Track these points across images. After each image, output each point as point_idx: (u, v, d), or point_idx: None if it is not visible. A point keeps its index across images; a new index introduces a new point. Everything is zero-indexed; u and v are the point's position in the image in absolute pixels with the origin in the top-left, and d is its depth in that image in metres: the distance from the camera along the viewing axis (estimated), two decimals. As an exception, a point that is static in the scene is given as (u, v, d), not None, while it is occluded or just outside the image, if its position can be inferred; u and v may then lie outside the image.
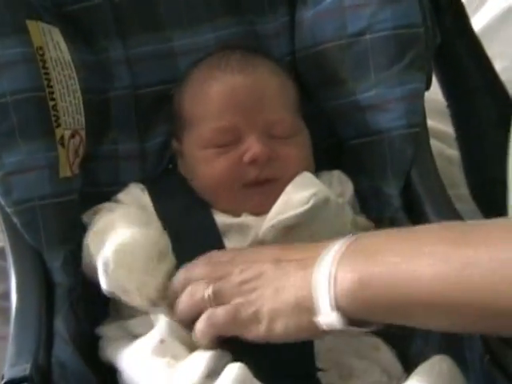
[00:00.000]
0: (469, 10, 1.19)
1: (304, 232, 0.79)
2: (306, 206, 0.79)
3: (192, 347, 0.74)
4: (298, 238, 0.78)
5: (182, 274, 0.76)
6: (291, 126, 0.85)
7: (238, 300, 0.71)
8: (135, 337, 0.77)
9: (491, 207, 0.87)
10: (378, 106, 0.86)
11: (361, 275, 0.65)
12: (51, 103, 0.82)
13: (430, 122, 0.89)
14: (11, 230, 0.79)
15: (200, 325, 0.73)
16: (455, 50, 0.91)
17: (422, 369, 0.70)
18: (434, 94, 0.93)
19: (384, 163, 0.86)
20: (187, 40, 0.93)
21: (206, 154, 0.83)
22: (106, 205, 0.84)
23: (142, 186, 0.86)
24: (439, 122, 0.99)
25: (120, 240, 0.77)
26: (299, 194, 0.80)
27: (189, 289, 0.74)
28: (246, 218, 0.82)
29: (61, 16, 0.88)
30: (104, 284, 0.75)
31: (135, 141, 0.92)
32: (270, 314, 0.69)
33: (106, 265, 0.74)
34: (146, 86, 0.92)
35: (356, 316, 0.66)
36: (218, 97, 0.84)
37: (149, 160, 0.92)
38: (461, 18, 0.91)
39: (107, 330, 0.80)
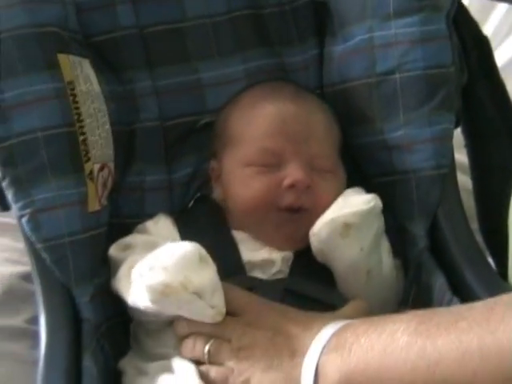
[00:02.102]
0: (495, 41, 1.20)
1: (357, 238, 0.80)
2: (370, 205, 0.80)
3: None
4: (350, 243, 0.80)
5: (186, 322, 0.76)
6: (332, 163, 0.86)
7: (231, 364, 0.73)
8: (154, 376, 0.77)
9: (499, 253, 0.87)
10: (406, 147, 0.86)
11: (344, 374, 0.66)
12: (81, 138, 0.82)
13: (456, 155, 0.90)
14: (40, 265, 0.80)
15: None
16: (478, 91, 0.90)
17: None
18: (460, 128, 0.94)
19: (410, 203, 0.86)
20: (215, 72, 0.94)
21: (248, 172, 0.84)
22: (137, 241, 0.84)
23: (170, 217, 0.87)
24: (463, 154, 0.99)
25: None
26: (358, 197, 0.82)
27: (190, 340, 0.75)
28: (271, 254, 0.82)
29: (90, 47, 0.89)
30: (145, 298, 0.72)
31: (162, 172, 0.93)
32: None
33: (143, 280, 0.71)
34: (174, 118, 0.93)
35: None
36: (270, 119, 0.85)
37: (176, 191, 0.93)
38: (486, 58, 0.91)
39: (129, 367, 0.80)
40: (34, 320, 0.93)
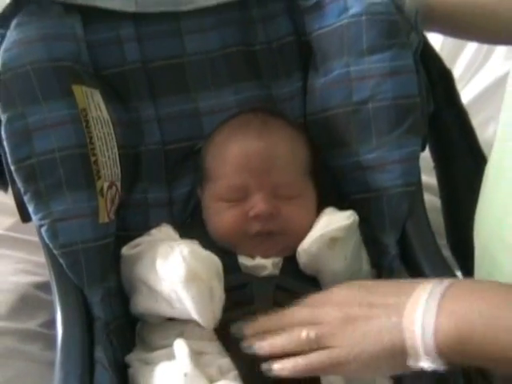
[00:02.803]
0: (465, 76, 1.31)
1: (343, 250, 0.92)
2: (351, 220, 0.92)
3: (211, 379, 0.83)
4: (337, 255, 0.91)
5: (282, 316, 0.82)
6: (296, 188, 0.96)
7: (333, 344, 0.77)
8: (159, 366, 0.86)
9: (466, 259, 0.97)
10: (378, 167, 0.97)
11: (461, 331, 0.70)
12: (93, 158, 0.93)
13: (423, 177, 1.01)
14: (57, 269, 0.90)
15: (293, 363, 0.78)
16: (444, 118, 1.02)
17: None
18: (427, 152, 1.05)
19: (382, 216, 0.97)
20: (211, 101, 1.04)
21: (219, 206, 0.95)
22: (146, 239, 0.95)
23: (171, 226, 0.97)
24: (432, 176, 1.10)
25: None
26: (340, 214, 0.94)
27: (289, 331, 0.80)
28: (260, 261, 0.93)
29: (100, 79, 1.00)
30: (181, 270, 0.82)
31: (164, 190, 1.03)
32: (362, 357, 0.75)
33: (182, 253, 0.83)
34: (174, 142, 1.04)
35: (450, 361, 0.72)
36: (233, 159, 0.95)
37: (175, 207, 1.03)
38: (450, 90, 1.02)
39: (135, 360, 0.90)
40: (47, 324, 1.04)
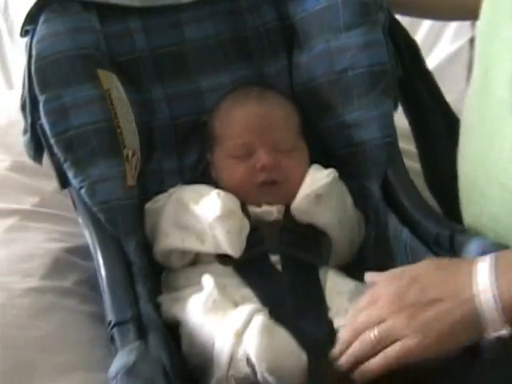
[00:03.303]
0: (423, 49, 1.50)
1: (327, 203, 1.09)
2: (330, 177, 1.09)
3: (235, 303, 0.98)
4: (323, 208, 1.08)
5: (348, 328, 0.92)
6: (292, 143, 1.13)
7: (401, 335, 0.86)
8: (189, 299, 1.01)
9: (446, 200, 1.15)
10: (360, 124, 1.14)
11: None
12: (118, 130, 1.08)
13: (401, 144, 1.17)
14: (96, 224, 1.05)
15: (377, 362, 0.88)
16: (414, 83, 1.19)
17: None
18: (403, 123, 1.22)
19: (366, 165, 1.14)
20: (210, 81, 1.20)
21: (229, 163, 1.12)
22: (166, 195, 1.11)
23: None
24: (407, 144, 1.28)
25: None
26: (320, 174, 1.10)
27: (359, 339, 0.89)
28: (266, 208, 1.09)
29: (116, 66, 1.15)
30: (218, 207, 1.01)
31: (175, 160, 1.19)
32: (435, 338, 0.85)
33: (218, 194, 1.02)
34: (181, 117, 1.19)
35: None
36: (239, 122, 1.12)
37: (186, 174, 1.19)
38: (416, 57, 1.20)
39: (166, 299, 1.05)
40: (79, 283, 1.16)
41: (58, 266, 1.17)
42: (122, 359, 0.88)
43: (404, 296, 0.88)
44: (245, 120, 1.12)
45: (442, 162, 1.15)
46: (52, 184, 1.25)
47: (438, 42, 1.70)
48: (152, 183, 1.17)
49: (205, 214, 1.02)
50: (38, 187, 1.30)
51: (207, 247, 1.04)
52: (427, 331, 0.85)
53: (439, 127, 1.18)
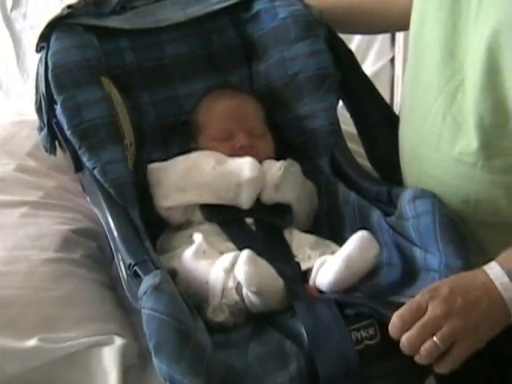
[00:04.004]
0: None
1: (284, 188, 1.35)
2: (282, 169, 1.36)
3: (221, 253, 1.22)
4: (282, 192, 1.35)
5: (408, 311, 1.05)
6: (263, 130, 1.41)
7: (459, 338, 1.02)
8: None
9: (385, 170, 1.44)
10: (311, 116, 1.42)
11: None
12: (119, 124, 1.33)
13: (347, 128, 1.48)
14: (107, 197, 1.27)
15: (447, 367, 1.03)
16: (353, 82, 1.49)
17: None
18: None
19: (317, 148, 1.41)
20: (187, 89, 1.47)
21: (213, 144, 1.38)
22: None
23: None
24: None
25: None
26: (274, 167, 1.37)
27: (421, 329, 1.03)
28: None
29: (111, 76, 1.41)
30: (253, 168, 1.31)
31: (161, 152, 1.44)
32: (484, 332, 1.03)
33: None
34: (165, 118, 1.45)
35: None
36: (220, 112, 1.39)
37: None
38: (354, 62, 1.51)
39: (163, 258, 1.25)
40: (86, 256, 1.40)
41: (67, 242, 1.40)
42: (148, 281, 1.09)
43: (452, 304, 1.03)
44: (225, 110, 1.40)
45: (379, 141, 1.46)
46: (52, 181, 1.55)
47: (362, 64, 2.01)
48: (143, 172, 1.39)
49: (238, 173, 1.30)
50: (41, 184, 1.55)
51: (205, 199, 1.30)
52: (478, 330, 1.03)
53: (376, 115, 1.48)
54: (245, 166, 1.31)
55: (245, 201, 1.31)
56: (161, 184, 1.33)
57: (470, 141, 1.19)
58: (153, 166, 1.35)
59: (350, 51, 1.51)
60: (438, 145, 1.25)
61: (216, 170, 1.31)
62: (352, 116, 1.52)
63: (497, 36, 1.12)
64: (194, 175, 1.31)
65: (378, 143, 1.47)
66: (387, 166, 1.43)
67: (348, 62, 1.49)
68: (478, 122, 1.17)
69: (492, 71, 1.14)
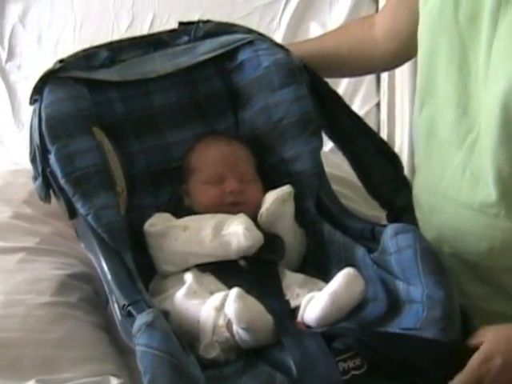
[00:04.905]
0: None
1: (289, 208, 1.42)
2: (290, 188, 1.43)
3: (211, 293, 1.26)
4: (287, 211, 1.41)
5: None
6: (253, 176, 1.46)
7: None
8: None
9: (385, 201, 1.50)
10: (296, 159, 1.47)
11: None
12: (111, 171, 1.38)
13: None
14: (101, 242, 1.31)
15: None
16: (340, 119, 1.54)
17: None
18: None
19: (303, 190, 1.45)
20: (175, 137, 1.52)
21: (205, 188, 1.43)
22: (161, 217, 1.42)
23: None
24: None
25: None
26: (281, 188, 1.43)
27: None
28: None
29: (102, 126, 1.46)
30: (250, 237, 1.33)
31: (152, 198, 1.49)
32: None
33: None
34: (155, 165, 1.50)
35: None
36: (213, 156, 1.45)
37: (161, 208, 1.48)
38: (340, 101, 1.56)
39: (155, 300, 1.29)
40: (82, 300, 1.45)
41: (63, 287, 1.45)
42: (142, 319, 1.13)
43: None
44: (218, 155, 1.45)
45: (372, 171, 1.52)
46: (48, 227, 1.60)
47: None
48: (134, 217, 1.44)
49: (236, 242, 1.33)
50: (37, 230, 1.61)
51: (207, 261, 1.35)
52: None
53: (366, 146, 1.53)
54: (241, 234, 1.34)
55: (245, 257, 1.35)
56: (163, 251, 1.37)
57: (489, 192, 1.26)
58: (152, 230, 1.38)
59: (334, 91, 1.56)
60: (458, 198, 1.33)
61: (214, 242, 1.35)
62: (343, 152, 1.57)
63: (510, 92, 1.19)
64: (193, 247, 1.35)
65: (372, 173, 1.52)
66: (383, 193, 1.49)
67: (333, 101, 1.55)
68: (497, 174, 1.24)
69: (508, 125, 1.21)
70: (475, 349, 1.12)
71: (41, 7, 2.25)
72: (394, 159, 1.54)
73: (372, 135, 1.56)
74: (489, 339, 1.13)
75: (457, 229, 1.33)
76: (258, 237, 1.35)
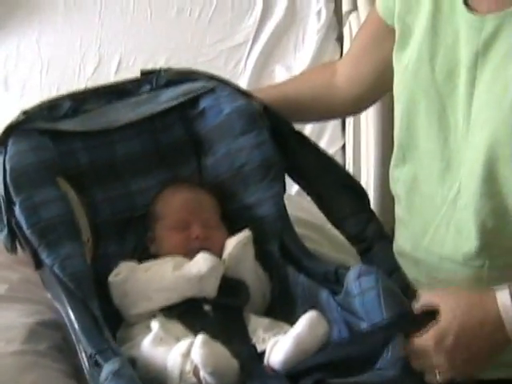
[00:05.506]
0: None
1: (250, 252, 1.44)
2: (249, 233, 1.45)
3: (177, 339, 1.28)
4: (249, 255, 1.43)
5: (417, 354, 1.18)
6: (217, 222, 1.49)
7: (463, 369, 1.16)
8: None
9: (352, 235, 1.49)
10: (258, 204, 1.50)
11: None
12: (76, 221, 1.40)
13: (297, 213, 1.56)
14: (67, 291, 1.32)
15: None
16: (305, 159, 1.55)
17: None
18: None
19: (266, 234, 1.48)
20: (139, 185, 1.54)
21: (170, 234, 1.45)
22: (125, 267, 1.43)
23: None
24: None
25: None
26: (240, 233, 1.46)
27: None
28: None
29: (66, 176, 1.48)
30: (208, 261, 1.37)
31: (117, 247, 1.51)
32: (483, 359, 1.16)
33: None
34: (119, 213, 1.52)
35: None
36: (178, 203, 1.47)
37: (126, 257, 1.49)
38: (303, 139, 1.57)
39: (123, 348, 1.32)
40: (51, 347, 1.44)
41: (33, 334, 1.44)
42: (108, 368, 1.16)
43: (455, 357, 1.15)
44: (182, 202, 1.48)
45: (336, 206, 1.51)
46: (16, 274, 1.59)
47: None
48: (100, 265, 1.46)
49: (197, 269, 1.37)
50: (6, 276, 1.61)
51: (172, 301, 1.36)
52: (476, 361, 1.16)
53: (330, 182, 1.53)
54: (200, 261, 1.38)
55: (210, 291, 1.37)
56: (127, 295, 1.39)
57: (472, 245, 1.28)
58: (116, 279, 1.41)
59: (297, 132, 1.57)
60: (441, 252, 1.36)
61: (175, 273, 1.37)
62: (308, 191, 1.57)
63: (494, 147, 1.21)
64: (155, 282, 1.38)
65: (338, 206, 1.51)
66: (351, 225, 1.48)
67: (296, 142, 1.56)
68: (480, 226, 1.26)
69: (490, 179, 1.24)
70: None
71: (7, 50, 2.26)
72: (360, 192, 1.53)
73: (337, 170, 1.57)
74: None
75: (443, 280, 1.36)
76: (215, 261, 1.38)
